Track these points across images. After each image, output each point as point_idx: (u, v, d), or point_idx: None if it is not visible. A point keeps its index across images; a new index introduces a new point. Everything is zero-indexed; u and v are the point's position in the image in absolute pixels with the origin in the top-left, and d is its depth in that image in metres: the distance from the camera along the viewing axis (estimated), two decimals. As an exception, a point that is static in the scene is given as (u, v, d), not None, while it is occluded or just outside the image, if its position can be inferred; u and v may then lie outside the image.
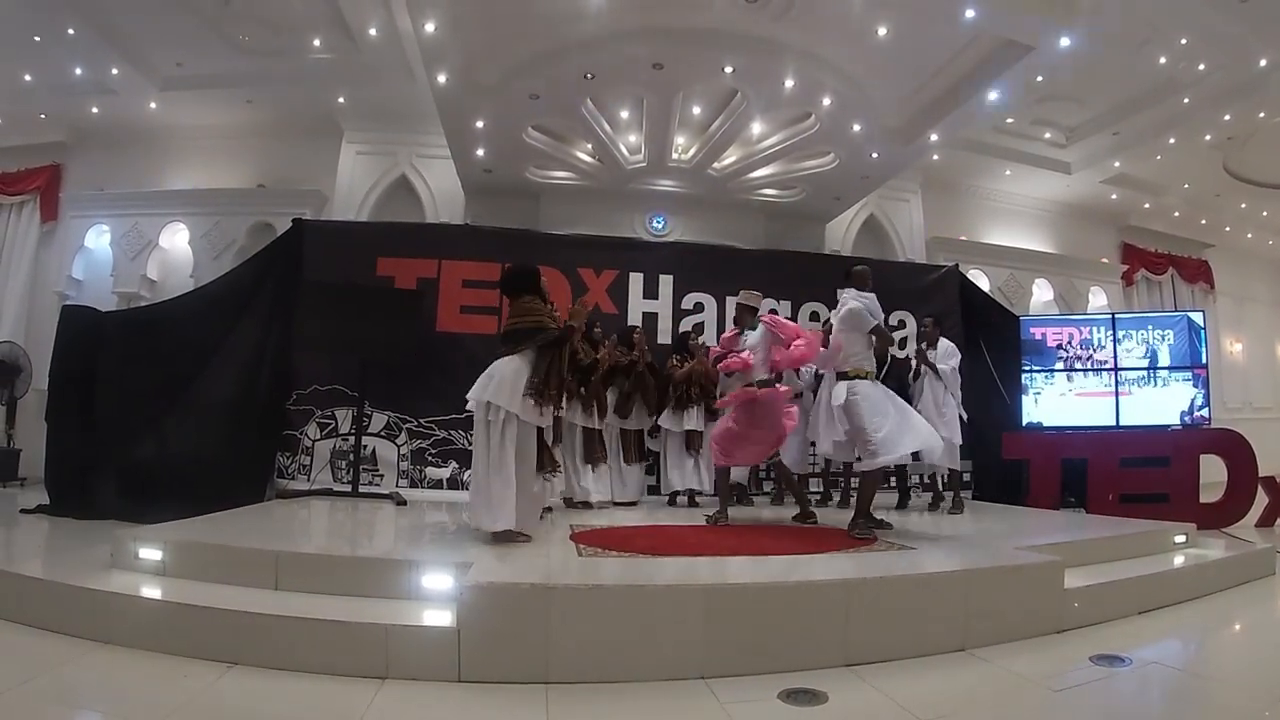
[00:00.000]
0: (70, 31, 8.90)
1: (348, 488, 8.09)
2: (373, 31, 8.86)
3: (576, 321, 5.63)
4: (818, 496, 8.98)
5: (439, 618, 3.71)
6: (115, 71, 9.74)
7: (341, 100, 10.62)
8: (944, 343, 8.23)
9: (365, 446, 8.53)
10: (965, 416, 8.04)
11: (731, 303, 9.69)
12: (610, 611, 3.63)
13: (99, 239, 11.34)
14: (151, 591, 4.10)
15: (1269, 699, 3.36)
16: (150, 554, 4.46)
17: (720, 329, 9.59)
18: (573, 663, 3.49)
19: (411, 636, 3.57)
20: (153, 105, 10.55)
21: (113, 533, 4.73)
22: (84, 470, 7.20)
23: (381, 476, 8.67)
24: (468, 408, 5.22)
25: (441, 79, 8.00)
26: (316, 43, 9.43)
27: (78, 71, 9.83)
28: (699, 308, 9.87)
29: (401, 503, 7.71)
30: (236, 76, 10.10)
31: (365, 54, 9.42)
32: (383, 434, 8.80)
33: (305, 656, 3.52)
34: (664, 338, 9.40)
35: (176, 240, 11.26)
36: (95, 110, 10.78)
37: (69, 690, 3.32)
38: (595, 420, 7.71)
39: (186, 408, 7.83)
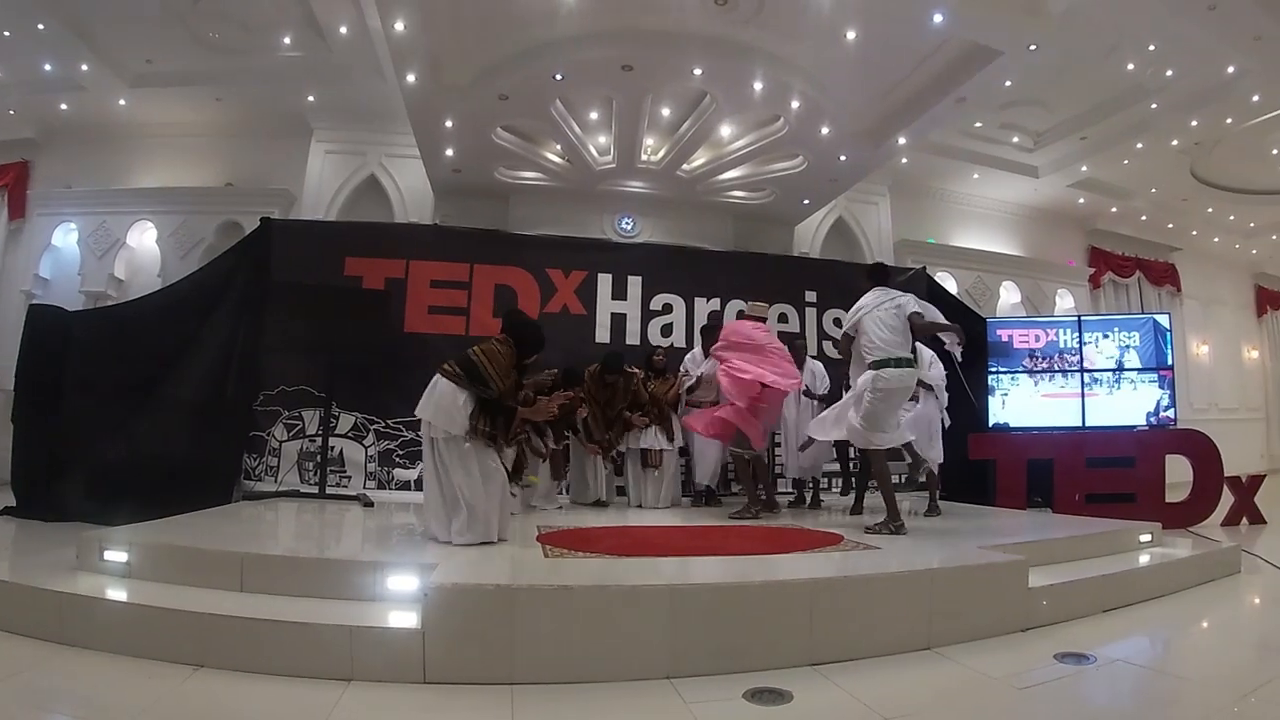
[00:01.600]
0: (40, 27, 8.81)
1: (315, 489, 8.05)
2: (343, 30, 8.83)
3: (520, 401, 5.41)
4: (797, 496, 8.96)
5: (404, 619, 3.69)
6: (85, 68, 9.64)
7: (311, 99, 10.56)
8: (923, 351, 7.75)
9: (333, 448, 8.50)
10: (949, 423, 8.09)
11: (700, 304, 9.77)
12: (576, 612, 3.62)
13: (66, 237, 11.21)
14: (117, 594, 4.06)
15: (1233, 696, 3.40)
16: (116, 556, 4.42)
17: (689, 331, 9.65)
18: (538, 663, 3.49)
19: (376, 638, 3.55)
20: (122, 102, 10.48)
21: (79, 535, 4.68)
22: (50, 472, 7.10)
23: (349, 478, 8.65)
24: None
25: (411, 79, 7.95)
26: (286, 41, 9.39)
27: (47, 67, 9.73)
28: (667, 309, 9.90)
29: (369, 504, 7.66)
30: (206, 74, 10.04)
31: (335, 53, 9.39)
32: (350, 435, 8.78)
33: (270, 658, 3.50)
34: (632, 339, 9.46)
35: (144, 239, 11.15)
36: (64, 107, 10.67)
37: (35, 693, 3.28)
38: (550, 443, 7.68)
39: (154, 408, 7.68)
